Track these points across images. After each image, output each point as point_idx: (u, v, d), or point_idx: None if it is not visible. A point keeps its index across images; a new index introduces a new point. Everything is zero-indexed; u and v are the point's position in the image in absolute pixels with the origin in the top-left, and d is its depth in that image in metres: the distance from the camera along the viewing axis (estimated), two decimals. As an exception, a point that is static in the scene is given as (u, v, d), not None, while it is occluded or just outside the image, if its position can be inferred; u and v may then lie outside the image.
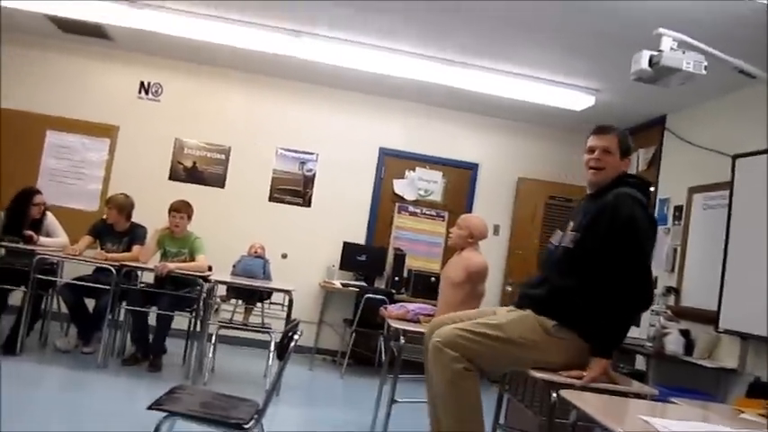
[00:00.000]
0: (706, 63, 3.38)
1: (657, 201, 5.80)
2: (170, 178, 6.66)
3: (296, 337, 2.50)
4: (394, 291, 6.25)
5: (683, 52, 3.36)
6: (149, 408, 2.43)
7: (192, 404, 2.54)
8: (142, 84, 6.69)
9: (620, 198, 2.52)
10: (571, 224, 2.66)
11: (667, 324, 4.85)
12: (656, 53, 3.39)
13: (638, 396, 2.43)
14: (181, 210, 5.25)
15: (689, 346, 4.79)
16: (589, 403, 1.87)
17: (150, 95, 6.71)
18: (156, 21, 5.33)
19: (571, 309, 2.50)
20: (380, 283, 6.70)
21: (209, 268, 5.21)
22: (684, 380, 4.63)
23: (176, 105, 6.71)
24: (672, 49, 3.36)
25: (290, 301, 4.95)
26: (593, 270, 2.47)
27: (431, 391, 2.76)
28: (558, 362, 2.48)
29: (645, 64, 3.40)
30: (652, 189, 5.77)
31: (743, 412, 2.28)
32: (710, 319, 4.61)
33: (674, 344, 4.74)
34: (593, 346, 2.46)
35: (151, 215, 5.41)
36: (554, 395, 2.27)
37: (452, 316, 2.81)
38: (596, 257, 2.47)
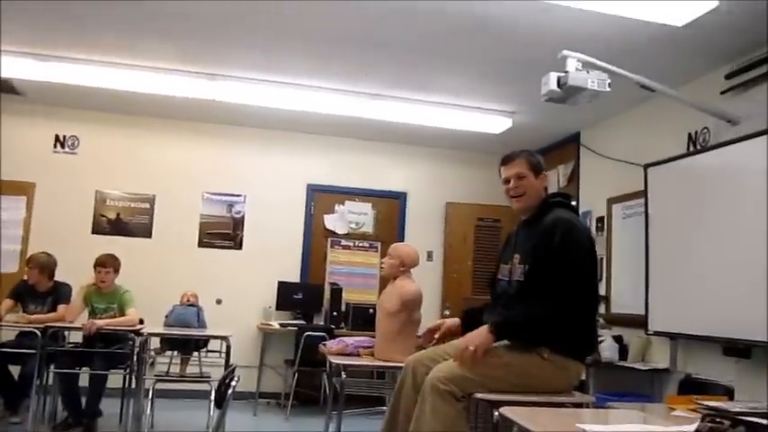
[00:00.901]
0: (609, 80, 3.57)
1: (580, 214, 6.00)
2: (93, 232, 6.45)
3: (233, 383, 2.44)
4: (333, 326, 6.21)
5: (588, 72, 3.54)
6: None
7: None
8: (57, 137, 6.49)
9: (558, 225, 2.59)
10: (517, 257, 2.71)
11: (601, 332, 4.99)
12: (562, 74, 3.56)
13: (577, 406, 2.49)
14: (107, 264, 5.08)
15: (623, 351, 4.95)
16: (527, 418, 1.91)
17: (66, 149, 6.51)
18: (66, 73, 5.23)
19: (552, 333, 2.52)
20: (319, 320, 6.64)
21: (141, 321, 5.05)
22: (622, 384, 4.77)
23: (94, 157, 6.53)
24: (577, 69, 3.54)
25: (228, 348, 4.85)
26: (548, 294, 2.53)
27: (395, 417, 2.73)
28: (552, 386, 2.53)
29: (553, 85, 3.57)
30: (573, 203, 6.04)
31: (674, 409, 2.37)
32: (640, 323, 4.78)
33: (608, 350, 4.88)
34: (496, 321, 2.53)
35: (76, 272, 5.21)
36: (495, 413, 2.30)
37: (432, 351, 2.79)
38: (547, 283, 2.53)
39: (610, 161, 5.59)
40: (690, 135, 4.64)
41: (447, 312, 6.91)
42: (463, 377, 2.44)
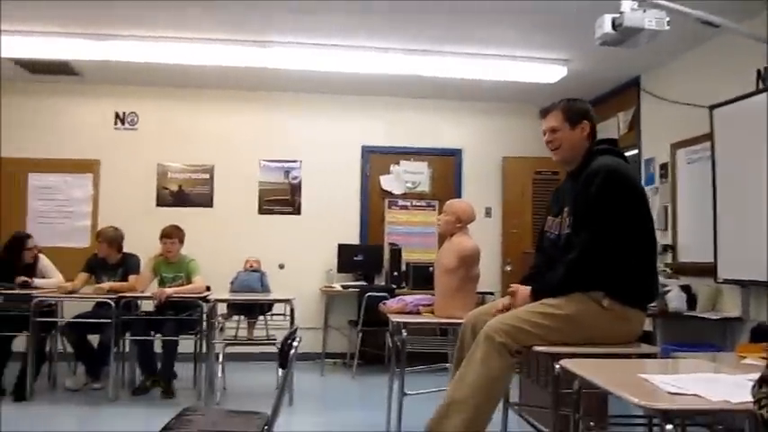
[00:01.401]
0: (668, 19, 3.38)
1: (642, 161, 5.82)
2: (157, 204, 6.65)
3: (295, 344, 2.49)
4: (394, 286, 6.26)
5: (644, 11, 3.36)
6: (160, 433, 2.43)
7: (201, 424, 2.54)
8: (117, 114, 6.68)
9: (598, 172, 2.53)
10: (566, 210, 2.67)
11: (667, 282, 4.86)
12: (617, 15, 3.39)
13: (640, 357, 2.44)
14: (172, 235, 5.24)
15: (691, 301, 4.81)
16: (589, 369, 1.88)
17: (127, 125, 6.70)
18: (122, 50, 5.34)
19: (606, 279, 2.48)
20: (380, 281, 6.71)
21: (208, 288, 5.21)
22: (691, 335, 4.65)
23: (154, 131, 6.71)
24: (632, 9, 3.36)
25: (292, 310, 4.96)
26: (589, 240, 2.49)
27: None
28: (615, 338, 2.48)
29: (608, 27, 3.41)
30: (636, 151, 5.84)
31: (745, 358, 2.30)
32: (709, 271, 4.63)
33: (676, 301, 4.75)
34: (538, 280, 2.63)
35: (143, 243, 5.41)
36: (556, 366, 2.28)
37: (492, 306, 2.83)
38: (588, 230, 2.49)
39: (672, 105, 5.36)
40: (759, 72, 4.37)
41: (508, 268, 6.87)
42: (520, 329, 2.43)
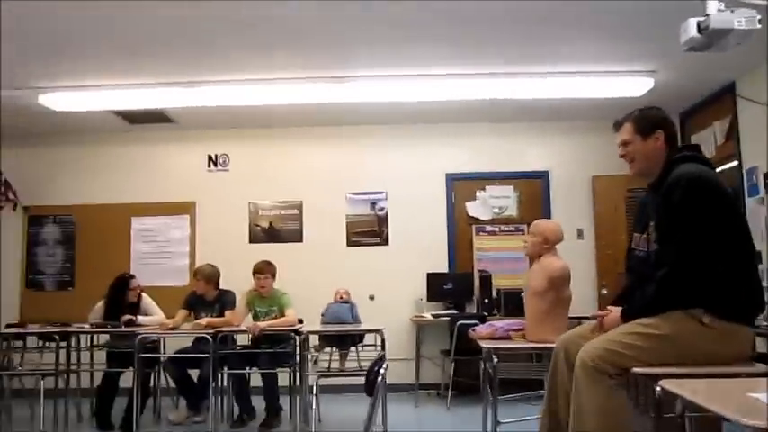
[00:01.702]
0: (759, 16, 3.20)
1: (744, 172, 5.48)
2: (250, 241, 6.87)
3: (381, 370, 2.47)
4: (486, 313, 6.13)
5: (732, 11, 3.19)
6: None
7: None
8: (210, 157, 7.00)
9: (678, 181, 2.42)
10: (651, 224, 2.56)
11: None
12: (703, 18, 3.24)
13: (751, 376, 2.25)
14: (264, 270, 5.38)
15: (811, 319, 4.43)
16: (692, 389, 1.75)
17: (219, 167, 7.00)
18: (212, 96, 5.61)
19: (703, 294, 2.34)
20: (471, 308, 6.60)
21: (300, 321, 5.30)
22: (813, 355, 4.27)
23: (244, 171, 6.98)
24: (719, 10, 3.21)
25: (383, 340, 4.94)
26: (677, 253, 2.35)
27: (555, 399, 2.69)
28: (713, 352, 2.33)
29: (693, 32, 3.25)
30: (736, 162, 5.51)
31: None
32: (829, 284, 4.26)
33: (793, 318, 4.39)
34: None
35: (238, 279, 5.57)
36: (657, 388, 2.14)
37: (584, 328, 2.76)
38: (676, 243, 2.36)
39: (773, 109, 5.03)
40: None
41: (605, 291, 6.60)
42: (614, 352, 2.31)
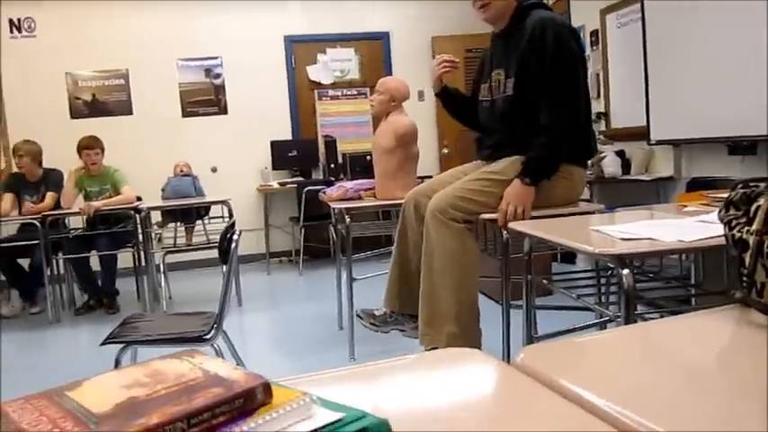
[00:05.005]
0: None
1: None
2: (72, 117, 6.22)
3: (234, 237, 2.39)
4: (333, 178, 6.14)
5: None
6: (103, 343, 2.34)
7: (147, 329, 2.45)
8: (11, 21, 6.08)
9: (544, 23, 2.38)
10: (499, 72, 2.53)
11: (602, 148, 4.92)
12: None
13: (587, 214, 2.44)
14: (93, 145, 4.93)
15: (626, 165, 4.90)
16: (540, 229, 1.84)
17: (24, 32, 6.12)
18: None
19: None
20: (317, 175, 6.59)
21: (138, 198, 4.99)
22: (627, 197, 4.76)
23: (55, 37, 6.15)
24: None
25: (230, 211, 4.82)
26: (553, 104, 2.37)
27: (405, 253, 2.72)
28: (559, 197, 2.44)
29: None
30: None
31: (686, 206, 2.32)
32: (642, 134, 4.68)
33: (611, 166, 4.83)
34: (524, 170, 2.36)
35: (61, 159, 5.07)
36: (505, 232, 2.25)
37: (432, 182, 2.72)
38: (549, 91, 2.36)
39: (600, -33, 5.22)
40: None
41: (445, 151, 6.84)
42: (463, 199, 2.36)
